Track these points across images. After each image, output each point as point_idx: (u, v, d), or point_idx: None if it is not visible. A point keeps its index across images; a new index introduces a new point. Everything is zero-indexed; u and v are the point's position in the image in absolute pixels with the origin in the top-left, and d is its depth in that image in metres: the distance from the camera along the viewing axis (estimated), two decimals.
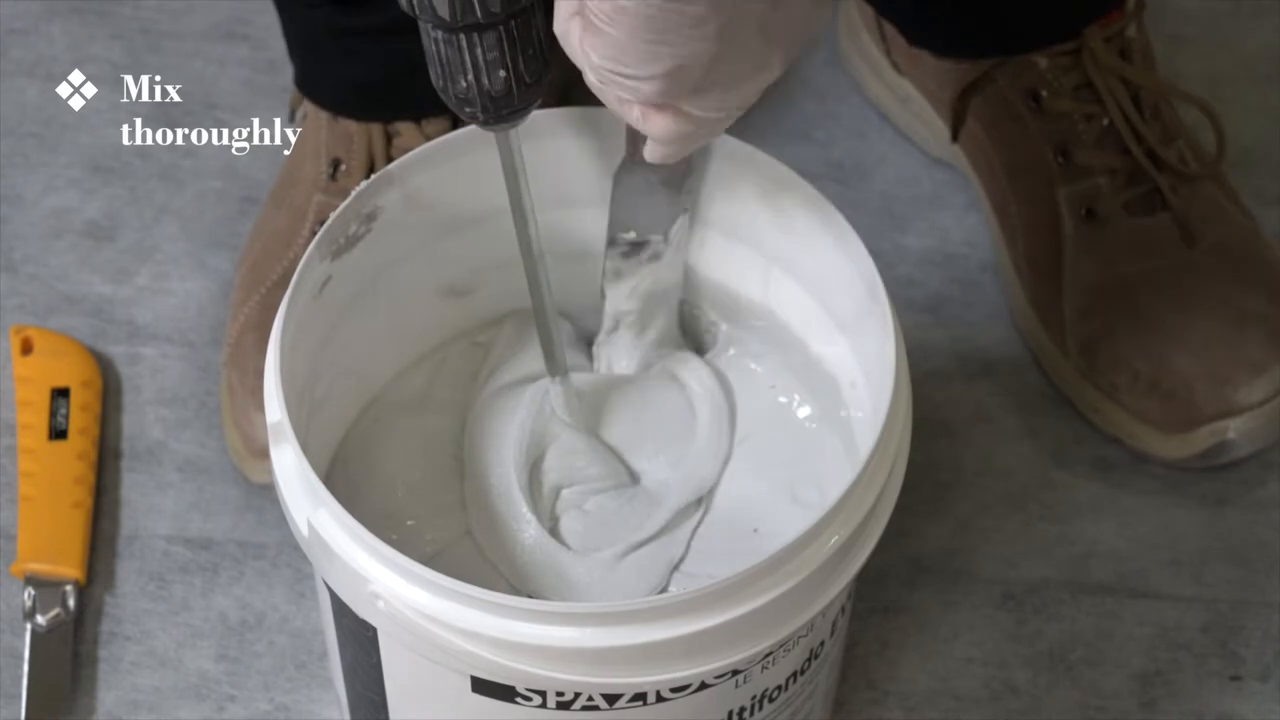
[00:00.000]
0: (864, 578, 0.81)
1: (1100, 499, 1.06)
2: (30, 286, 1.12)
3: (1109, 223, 1.07)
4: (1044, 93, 1.09)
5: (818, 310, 0.90)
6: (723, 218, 0.90)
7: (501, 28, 0.74)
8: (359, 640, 0.81)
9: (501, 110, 0.77)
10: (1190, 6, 1.24)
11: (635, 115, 0.76)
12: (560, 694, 0.77)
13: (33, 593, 1.00)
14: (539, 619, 0.75)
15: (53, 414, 1.05)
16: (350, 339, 0.89)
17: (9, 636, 1.00)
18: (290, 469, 0.79)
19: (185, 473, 1.05)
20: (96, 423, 1.06)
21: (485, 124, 0.78)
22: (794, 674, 0.83)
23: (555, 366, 0.88)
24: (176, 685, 0.99)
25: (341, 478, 0.90)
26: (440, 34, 0.75)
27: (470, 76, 0.76)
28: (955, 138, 1.14)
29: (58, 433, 1.05)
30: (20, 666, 0.98)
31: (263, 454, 1.00)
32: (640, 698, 0.78)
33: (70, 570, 1.00)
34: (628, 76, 0.73)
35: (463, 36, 0.74)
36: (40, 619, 0.99)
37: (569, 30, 0.73)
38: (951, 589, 1.03)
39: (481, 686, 0.78)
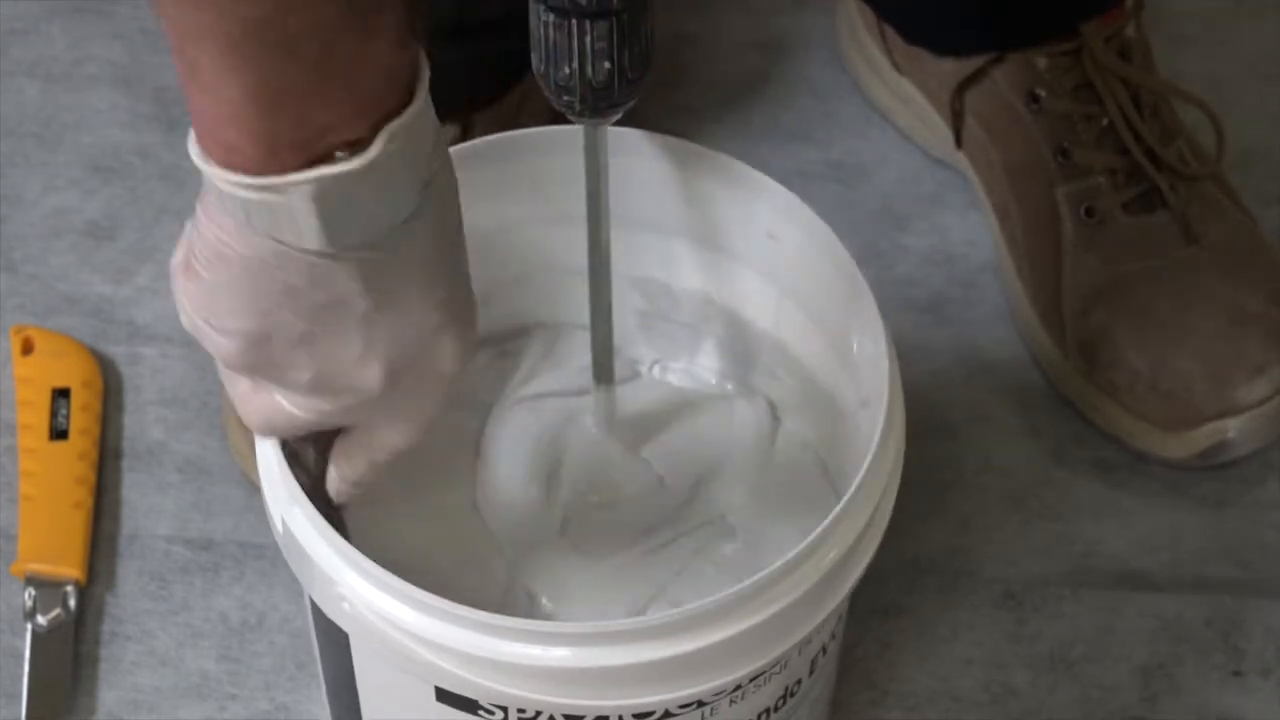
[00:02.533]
0: (863, 578, 0.81)
1: (1100, 499, 1.06)
2: (30, 286, 1.12)
3: (1108, 222, 1.07)
4: (1043, 93, 1.09)
5: (808, 323, 0.90)
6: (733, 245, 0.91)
7: (614, 18, 0.74)
8: (334, 640, 0.81)
9: (600, 103, 0.76)
10: (1190, 6, 1.24)
11: (239, 390, 0.75)
12: (521, 711, 0.77)
13: (33, 593, 1.00)
14: (506, 635, 0.74)
15: (53, 414, 1.05)
16: None
17: (9, 636, 1.00)
18: (271, 463, 0.79)
19: (186, 473, 1.06)
20: (97, 423, 1.06)
21: (580, 115, 0.77)
22: (766, 710, 0.82)
23: (603, 372, 0.88)
24: (177, 685, 0.99)
25: None
26: (552, 17, 0.74)
27: (575, 64, 0.75)
28: (959, 143, 1.14)
29: (58, 433, 1.05)
30: (21, 666, 0.98)
31: None
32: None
33: (71, 571, 1.00)
34: (212, 328, 0.71)
35: (575, 22, 0.74)
36: (41, 619, 0.99)
37: (175, 272, 0.72)
38: (951, 589, 1.03)
39: (445, 696, 0.78)
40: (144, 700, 0.98)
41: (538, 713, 0.77)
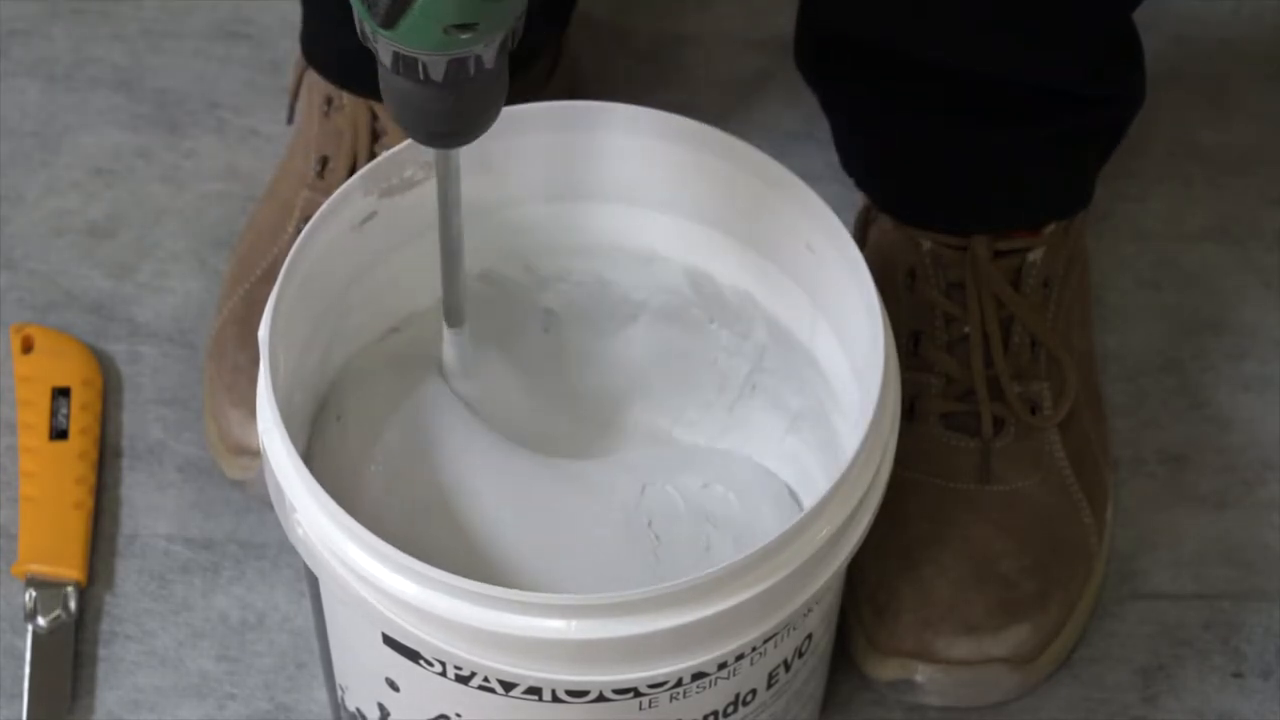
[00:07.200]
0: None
1: None
2: (30, 281, 1.12)
3: (922, 424, 1.00)
4: (918, 274, 1.03)
5: (802, 298, 0.90)
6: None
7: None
8: (312, 577, 0.83)
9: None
10: (1190, 6, 1.24)
11: None
12: (459, 669, 0.77)
13: (34, 594, 1.00)
14: (453, 593, 0.75)
15: (54, 413, 1.05)
16: (395, 277, 0.89)
17: (10, 637, 1.00)
18: (263, 389, 0.80)
19: (186, 473, 1.06)
20: (97, 422, 1.06)
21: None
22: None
23: (453, 316, 0.87)
24: (177, 685, 0.99)
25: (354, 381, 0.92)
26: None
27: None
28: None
29: (59, 432, 1.05)
30: (21, 667, 0.98)
31: (237, 450, 1.01)
32: (535, 691, 0.78)
33: (71, 572, 1.01)
34: None
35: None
36: (41, 620, 0.99)
37: None
38: None
39: (390, 641, 0.79)
40: (144, 700, 0.99)
41: (473, 673, 0.77)
